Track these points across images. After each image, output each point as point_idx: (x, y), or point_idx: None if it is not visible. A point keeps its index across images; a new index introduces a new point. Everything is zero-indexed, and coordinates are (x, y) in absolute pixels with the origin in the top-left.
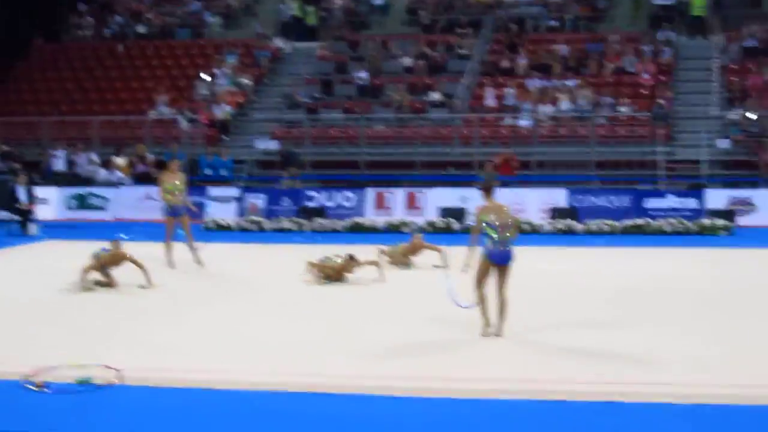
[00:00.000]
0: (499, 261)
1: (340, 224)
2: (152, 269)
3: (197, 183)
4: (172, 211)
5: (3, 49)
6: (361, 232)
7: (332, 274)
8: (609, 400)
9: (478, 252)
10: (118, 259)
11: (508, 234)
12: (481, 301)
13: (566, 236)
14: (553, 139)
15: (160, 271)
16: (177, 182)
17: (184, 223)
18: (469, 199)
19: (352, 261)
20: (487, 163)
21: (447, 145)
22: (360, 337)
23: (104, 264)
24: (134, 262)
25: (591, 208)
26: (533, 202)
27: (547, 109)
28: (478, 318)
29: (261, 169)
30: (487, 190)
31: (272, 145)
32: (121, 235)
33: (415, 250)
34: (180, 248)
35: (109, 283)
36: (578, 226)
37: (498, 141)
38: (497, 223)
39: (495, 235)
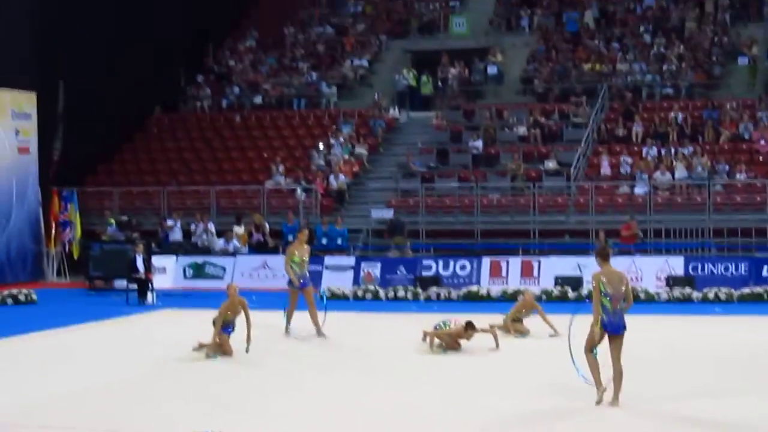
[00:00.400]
0: (612, 330)
1: (455, 293)
2: (270, 337)
3: (314, 252)
4: (302, 283)
5: (123, 120)
6: (476, 300)
7: (448, 341)
8: None
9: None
10: (235, 305)
11: (620, 305)
12: (593, 367)
13: (683, 304)
14: (670, 207)
15: (276, 339)
16: (305, 253)
17: (309, 294)
18: (585, 266)
19: (468, 328)
20: (600, 231)
21: (562, 213)
22: (474, 407)
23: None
24: (246, 312)
25: (708, 277)
26: (649, 270)
27: (663, 177)
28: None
29: (376, 238)
30: (604, 257)
31: (387, 214)
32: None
33: (526, 307)
34: (300, 318)
35: (225, 351)
36: (695, 295)
37: (614, 209)
38: (611, 293)
39: (608, 304)
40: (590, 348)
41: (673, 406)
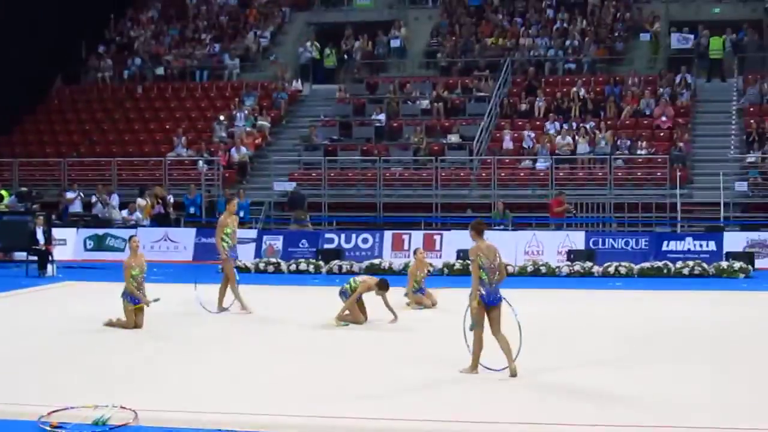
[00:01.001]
0: (490, 302)
1: (357, 266)
2: (175, 310)
3: (214, 225)
4: (232, 253)
5: (22, 91)
6: (378, 273)
7: (354, 312)
8: None
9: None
10: (139, 257)
11: (497, 277)
12: (478, 346)
13: (584, 279)
14: (571, 182)
15: (181, 312)
16: (235, 224)
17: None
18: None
19: (382, 286)
20: (499, 202)
21: (465, 187)
22: (369, 376)
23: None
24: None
25: (609, 251)
26: (551, 245)
27: (564, 152)
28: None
29: (279, 210)
30: (479, 232)
31: (290, 186)
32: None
33: (420, 267)
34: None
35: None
36: (596, 269)
37: (516, 183)
38: (488, 266)
39: (486, 278)
40: (480, 324)
41: (560, 376)
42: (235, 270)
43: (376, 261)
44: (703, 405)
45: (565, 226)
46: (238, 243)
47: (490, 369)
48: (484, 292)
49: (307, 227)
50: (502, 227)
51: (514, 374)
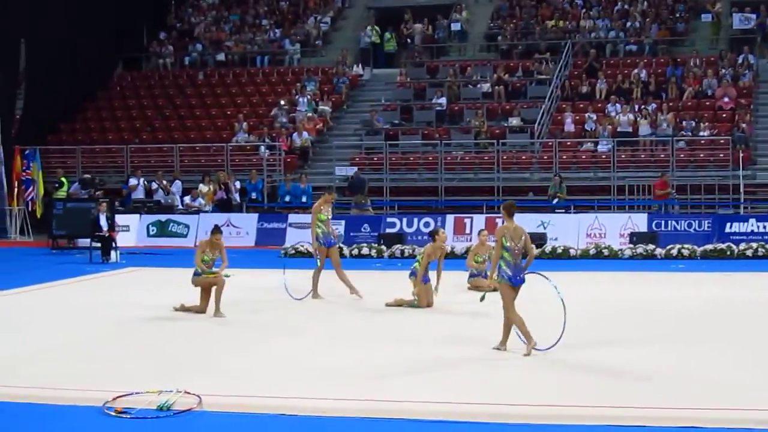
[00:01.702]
0: (516, 283)
1: (419, 250)
2: (241, 297)
3: (277, 210)
4: (326, 242)
5: (85, 78)
6: None
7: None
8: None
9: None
10: (214, 244)
11: (526, 260)
12: (520, 324)
13: (646, 261)
14: (633, 164)
15: (246, 297)
16: (329, 211)
17: (335, 254)
18: (549, 223)
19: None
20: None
21: (526, 170)
22: (432, 362)
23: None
24: (223, 253)
25: (671, 233)
26: (613, 227)
27: (627, 134)
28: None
29: (340, 195)
30: (510, 213)
31: (351, 171)
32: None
33: (481, 247)
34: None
35: (200, 309)
36: (658, 251)
37: (577, 166)
38: (511, 247)
39: (510, 258)
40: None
41: (589, 354)
42: (328, 258)
43: None
44: (751, 386)
45: (627, 208)
46: (300, 228)
47: (539, 349)
48: (510, 273)
49: (368, 212)
50: (563, 211)
51: (503, 348)
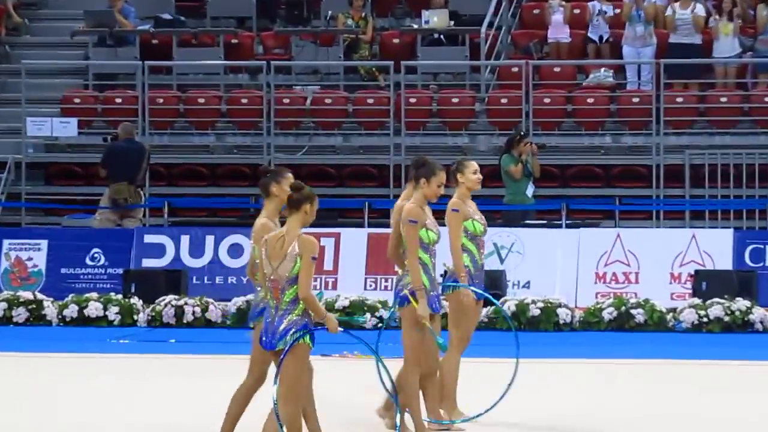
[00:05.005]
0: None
1: None
2: None
3: None
4: None
5: None
6: None
7: None
8: None
9: None
10: None
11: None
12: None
13: (733, 336)
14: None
15: None
16: None
17: None
18: (511, 248)
19: None
20: None
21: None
22: None
23: None
24: None
25: None
26: (655, 258)
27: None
28: None
29: None
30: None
31: None
32: None
33: None
34: None
35: None
36: (759, 314)
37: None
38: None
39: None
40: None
41: None
42: None
43: None
44: None
45: (689, 218)
46: None
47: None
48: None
49: None
50: (544, 222)
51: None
